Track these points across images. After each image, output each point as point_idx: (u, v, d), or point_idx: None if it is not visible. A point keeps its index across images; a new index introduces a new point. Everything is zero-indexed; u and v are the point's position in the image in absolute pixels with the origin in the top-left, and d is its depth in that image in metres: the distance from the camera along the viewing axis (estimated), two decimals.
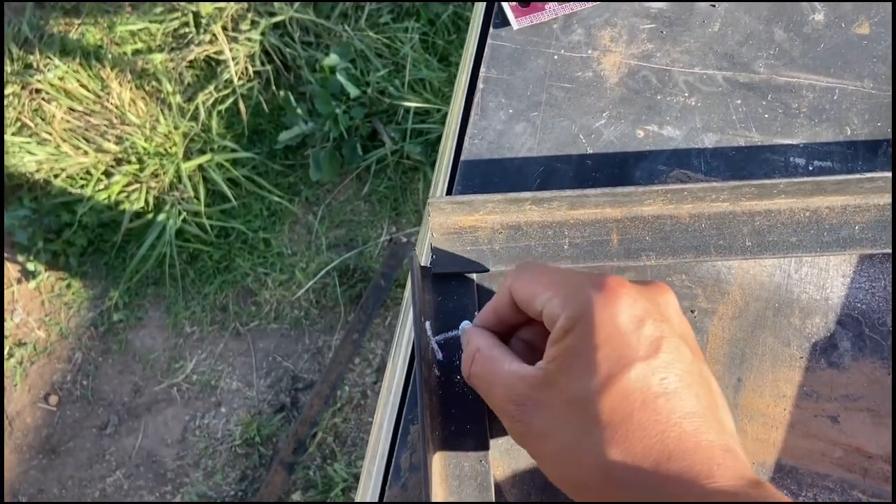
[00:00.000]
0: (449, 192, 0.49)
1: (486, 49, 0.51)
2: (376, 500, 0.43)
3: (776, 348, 0.44)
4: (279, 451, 1.44)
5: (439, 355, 0.43)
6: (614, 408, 0.31)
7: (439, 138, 1.64)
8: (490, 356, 0.37)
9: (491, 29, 0.52)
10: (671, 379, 0.32)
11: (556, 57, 0.51)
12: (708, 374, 0.34)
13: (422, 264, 0.46)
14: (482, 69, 0.51)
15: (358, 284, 1.57)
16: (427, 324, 0.43)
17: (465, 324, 0.42)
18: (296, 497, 1.42)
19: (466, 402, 0.42)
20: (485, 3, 0.54)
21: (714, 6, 0.52)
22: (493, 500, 0.40)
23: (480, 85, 0.50)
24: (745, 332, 0.44)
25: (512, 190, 0.47)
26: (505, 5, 0.52)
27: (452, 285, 0.45)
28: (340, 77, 1.62)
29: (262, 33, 1.71)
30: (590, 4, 0.52)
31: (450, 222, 0.46)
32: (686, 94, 0.50)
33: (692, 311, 0.45)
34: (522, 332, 0.40)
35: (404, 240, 1.61)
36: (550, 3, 0.52)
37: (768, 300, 0.45)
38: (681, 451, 0.31)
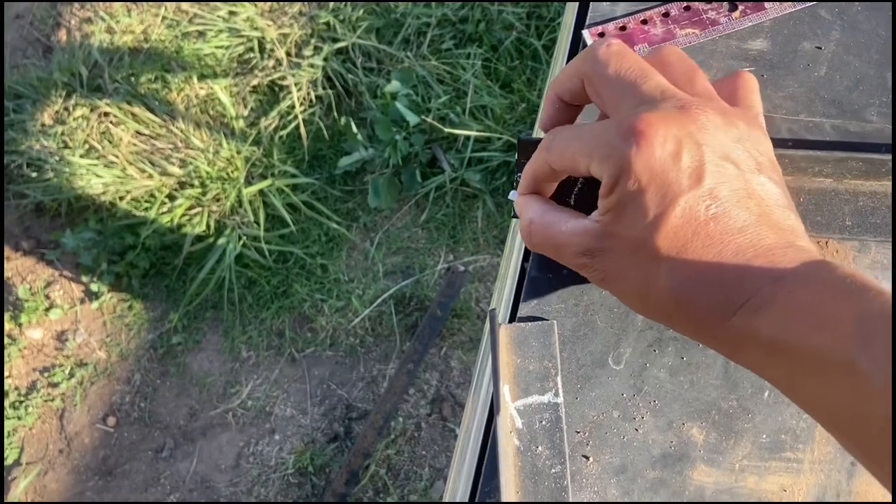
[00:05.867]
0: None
1: None
2: None
3: None
4: (332, 481, 1.42)
5: (518, 423, 0.40)
6: (670, 243, 0.33)
7: (500, 166, 1.61)
8: (544, 223, 0.38)
9: None
10: (717, 203, 0.33)
11: None
12: (756, 181, 0.34)
13: (500, 323, 0.43)
14: None
15: (414, 313, 1.55)
16: (506, 388, 0.41)
17: (513, 193, 0.42)
18: None
19: (547, 476, 0.39)
20: (570, 37, 0.51)
21: (820, 49, 0.48)
22: None
23: None
24: None
25: None
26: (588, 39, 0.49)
27: (533, 346, 0.42)
28: (400, 105, 1.61)
29: (325, 59, 1.71)
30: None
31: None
32: (790, 144, 0.46)
33: None
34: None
35: (461, 269, 1.58)
36: (639, 45, 0.49)
37: None
38: (740, 261, 0.33)
